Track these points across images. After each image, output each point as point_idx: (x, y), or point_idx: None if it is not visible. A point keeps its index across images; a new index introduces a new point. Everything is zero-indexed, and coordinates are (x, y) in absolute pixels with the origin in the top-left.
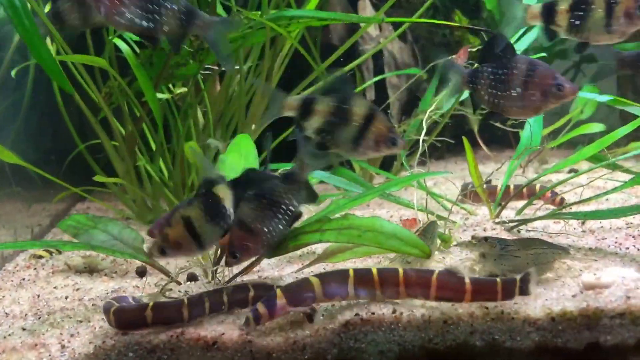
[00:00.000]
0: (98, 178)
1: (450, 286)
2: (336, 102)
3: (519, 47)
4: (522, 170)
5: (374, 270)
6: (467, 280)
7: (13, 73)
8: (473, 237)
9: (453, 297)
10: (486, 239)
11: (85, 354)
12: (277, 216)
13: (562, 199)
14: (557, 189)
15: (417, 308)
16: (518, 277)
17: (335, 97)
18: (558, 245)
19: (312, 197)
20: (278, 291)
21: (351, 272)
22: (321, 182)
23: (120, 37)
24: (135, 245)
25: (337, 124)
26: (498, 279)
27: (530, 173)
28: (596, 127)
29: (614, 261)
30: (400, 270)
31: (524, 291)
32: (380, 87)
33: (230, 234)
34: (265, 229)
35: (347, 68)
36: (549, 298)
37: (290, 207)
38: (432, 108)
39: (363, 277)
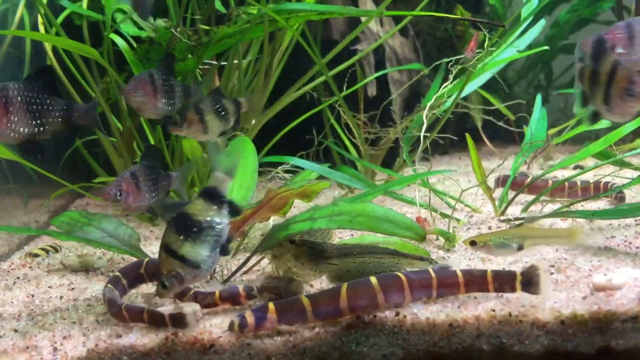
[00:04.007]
0: (99, 179)
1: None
2: None
3: (524, 42)
4: (527, 166)
5: (374, 281)
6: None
7: None
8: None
9: None
10: (292, 241)
11: (78, 357)
12: (206, 238)
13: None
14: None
15: (421, 311)
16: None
17: None
18: (407, 254)
19: (236, 212)
20: (270, 305)
21: (343, 289)
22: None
23: (118, 32)
24: (131, 243)
25: None
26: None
27: (535, 170)
28: (601, 123)
29: (625, 261)
30: (402, 277)
31: None
32: (383, 82)
33: (160, 263)
34: (195, 253)
35: (348, 63)
36: (558, 300)
37: (217, 225)
38: (431, 102)
39: (358, 293)
